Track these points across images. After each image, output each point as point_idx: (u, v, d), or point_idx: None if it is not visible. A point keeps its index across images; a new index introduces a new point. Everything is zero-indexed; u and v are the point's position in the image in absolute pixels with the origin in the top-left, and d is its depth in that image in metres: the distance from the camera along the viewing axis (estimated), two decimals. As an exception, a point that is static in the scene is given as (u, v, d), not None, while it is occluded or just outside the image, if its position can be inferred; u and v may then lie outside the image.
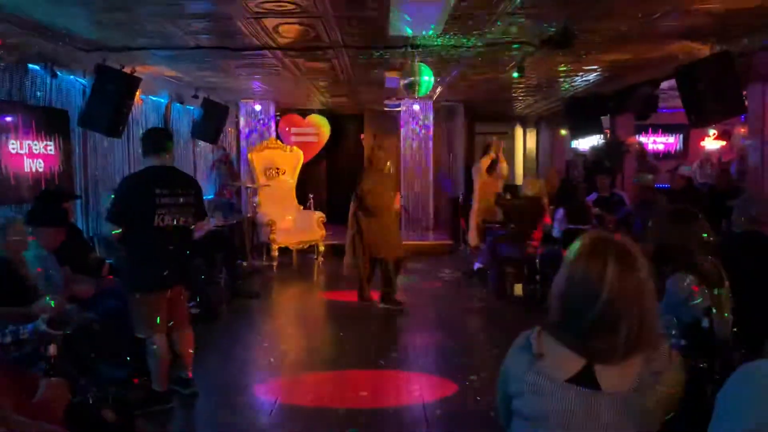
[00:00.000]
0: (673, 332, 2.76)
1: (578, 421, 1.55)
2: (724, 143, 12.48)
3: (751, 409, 1.30)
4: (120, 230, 4.24)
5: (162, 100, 8.65)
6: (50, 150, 6.09)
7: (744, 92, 6.10)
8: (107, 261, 5.45)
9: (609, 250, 1.58)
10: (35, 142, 5.86)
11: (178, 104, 9.05)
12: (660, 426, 1.60)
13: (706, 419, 1.42)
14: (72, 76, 6.42)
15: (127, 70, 6.25)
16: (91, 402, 3.26)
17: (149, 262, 4.18)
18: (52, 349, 3.36)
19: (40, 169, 5.95)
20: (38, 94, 5.94)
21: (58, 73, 6.02)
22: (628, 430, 1.55)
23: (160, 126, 8.46)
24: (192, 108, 9.45)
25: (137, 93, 6.64)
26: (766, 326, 2.98)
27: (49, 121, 6.09)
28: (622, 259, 1.57)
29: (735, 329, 2.82)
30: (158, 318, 4.23)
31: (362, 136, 13.41)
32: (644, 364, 1.57)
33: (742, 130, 9.64)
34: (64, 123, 6.36)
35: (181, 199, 4.24)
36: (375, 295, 7.18)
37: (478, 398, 4.44)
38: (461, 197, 11.37)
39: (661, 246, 2.90)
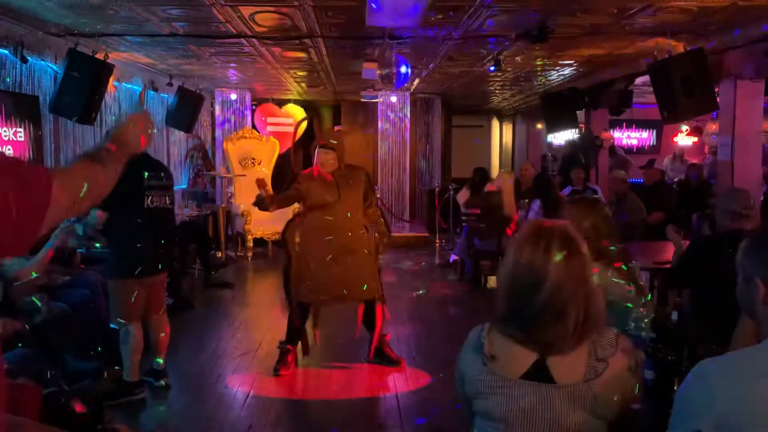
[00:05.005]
0: (643, 325, 2.80)
1: (537, 417, 1.56)
2: (695, 139, 12.69)
3: (702, 408, 1.31)
4: (100, 211, 4.16)
5: (136, 87, 8.52)
6: (20, 137, 5.96)
7: (716, 89, 6.20)
8: (79, 251, 5.37)
9: (552, 236, 1.59)
10: (4, 128, 5.73)
11: (152, 92, 8.92)
12: (627, 418, 1.62)
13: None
14: (43, 62, 6.29)
15: (99, 56, 6.14)
16: (60, 393, 3.23)
17: (136, 246, 4.12)
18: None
19: (10, 156, 5.82)
20: (7, 79, 5.81)
21: (29, 58, 5.89)
22: (584, 419, 1.56)
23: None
24: (166, 96, 9.32)
25: (110, 80, 6.54)
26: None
27: (18, 107, 5.95)
28: (565, 243, 1.58)
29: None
30: (136, 306, 4.18)
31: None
32: (591, 351, 1.58)
33: (713, 126, 9.79)
34: (34, 109, 6.23)
35: (164, 182, 4.34)
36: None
37: (451, 390, 4.47)
38: (437, 189, 11.40)
39: None
